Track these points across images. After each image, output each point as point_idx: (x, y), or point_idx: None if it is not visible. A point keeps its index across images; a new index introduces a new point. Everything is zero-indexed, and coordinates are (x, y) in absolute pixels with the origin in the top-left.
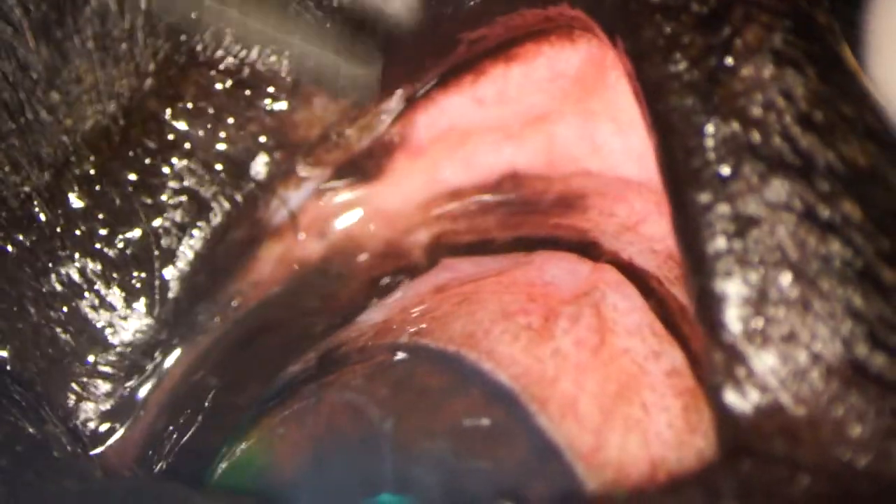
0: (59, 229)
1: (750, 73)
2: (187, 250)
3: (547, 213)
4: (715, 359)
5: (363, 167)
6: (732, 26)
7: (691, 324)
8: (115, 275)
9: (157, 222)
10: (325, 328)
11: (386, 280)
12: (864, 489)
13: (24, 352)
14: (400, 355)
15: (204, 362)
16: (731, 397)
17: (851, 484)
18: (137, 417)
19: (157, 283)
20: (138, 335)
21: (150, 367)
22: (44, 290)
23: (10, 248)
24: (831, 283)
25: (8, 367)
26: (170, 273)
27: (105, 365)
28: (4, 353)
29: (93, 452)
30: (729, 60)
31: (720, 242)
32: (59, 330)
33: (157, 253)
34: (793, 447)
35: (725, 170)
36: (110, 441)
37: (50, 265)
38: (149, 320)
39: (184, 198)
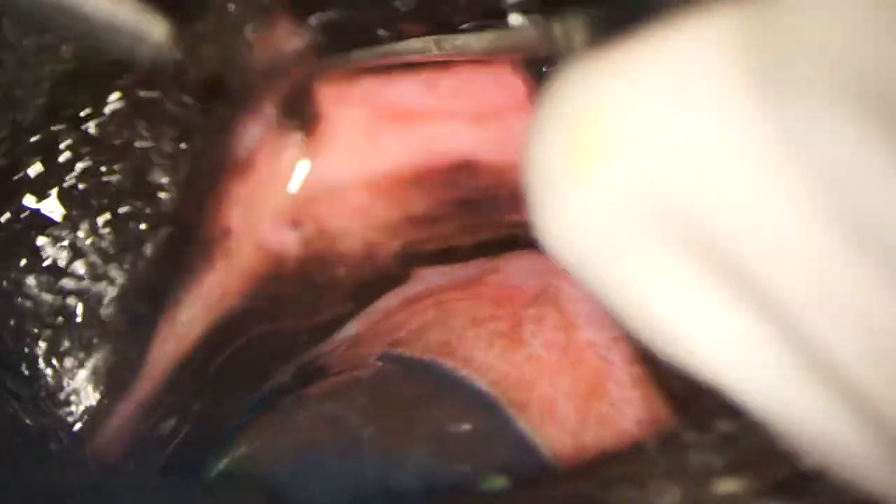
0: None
1: None
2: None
3: (502, 210)
4: None
5: (302, 109)
6: None
7: None
8: (107, 261)
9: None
10: (305, 340)
11: (364, 292)
12: None
13: (23, 345)
14: (377, 365)
15: (189, 368)
16: None
17: None
18: (127, 418)
19: (139, 257)
20: (133, 330)
21: (140, 366)
22: (40, 283)
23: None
24: None
25: (9, 360)
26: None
27: (99, 361)
28: (5, 346)
29: (87, 447)
30: None
31: None
32: (56, 324)
33: (135, 232)
34: None
35: None
36: (101, 437)
37: (45, 257)
38: (136, 313)
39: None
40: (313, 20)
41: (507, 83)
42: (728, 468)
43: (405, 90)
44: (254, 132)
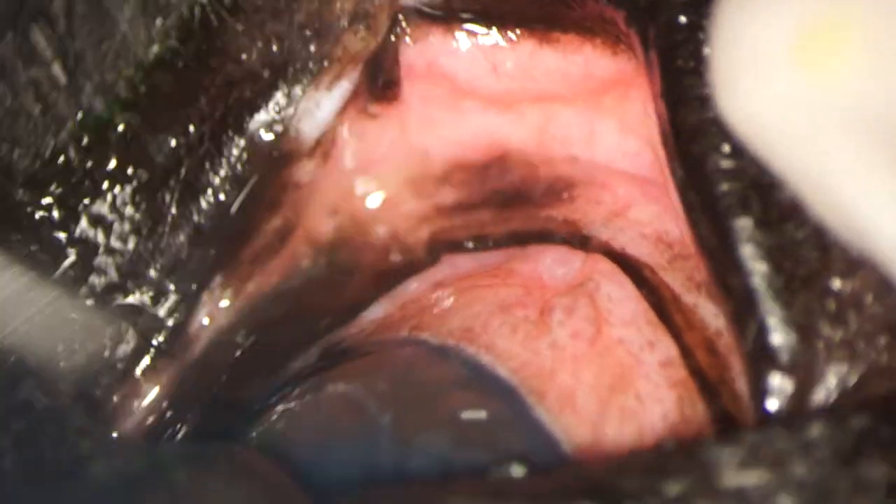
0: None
1: None
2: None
3: (537, 204)
4: None
5: (384, 77)
6: None
7: (684, 313)
8: (133, 244)
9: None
10: (329, 323)
11: (390, 276)
12: None
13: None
14: (399, 350)
15: (213, 351)
16: None
17: None
18: (148, 403)
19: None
20: (151, 315)
21: (160, 350)
22: (63, 262)
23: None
24: None
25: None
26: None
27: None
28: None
29: (109, 428)
30: None
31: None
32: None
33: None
34: None
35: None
36: (123, 419)
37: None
38: (164, 297)
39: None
40: None
41: (571, 63)
42: (742, 465)
43: (467, 65)
44: (330, 105)
